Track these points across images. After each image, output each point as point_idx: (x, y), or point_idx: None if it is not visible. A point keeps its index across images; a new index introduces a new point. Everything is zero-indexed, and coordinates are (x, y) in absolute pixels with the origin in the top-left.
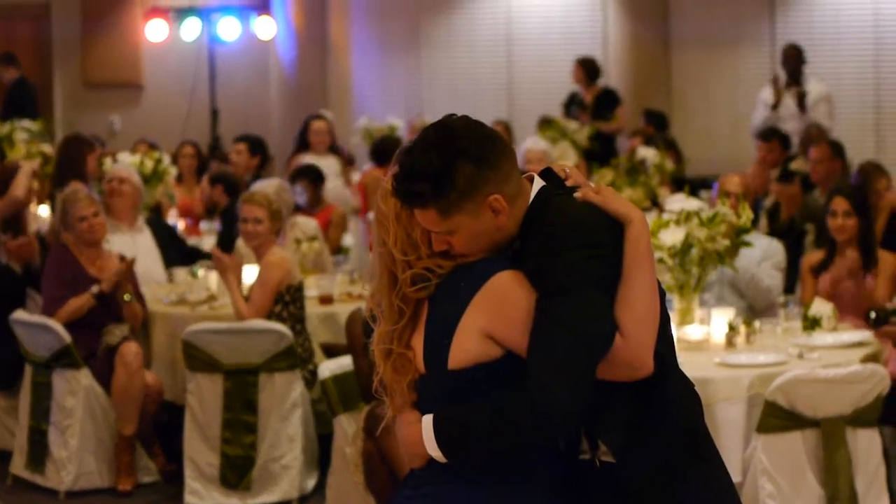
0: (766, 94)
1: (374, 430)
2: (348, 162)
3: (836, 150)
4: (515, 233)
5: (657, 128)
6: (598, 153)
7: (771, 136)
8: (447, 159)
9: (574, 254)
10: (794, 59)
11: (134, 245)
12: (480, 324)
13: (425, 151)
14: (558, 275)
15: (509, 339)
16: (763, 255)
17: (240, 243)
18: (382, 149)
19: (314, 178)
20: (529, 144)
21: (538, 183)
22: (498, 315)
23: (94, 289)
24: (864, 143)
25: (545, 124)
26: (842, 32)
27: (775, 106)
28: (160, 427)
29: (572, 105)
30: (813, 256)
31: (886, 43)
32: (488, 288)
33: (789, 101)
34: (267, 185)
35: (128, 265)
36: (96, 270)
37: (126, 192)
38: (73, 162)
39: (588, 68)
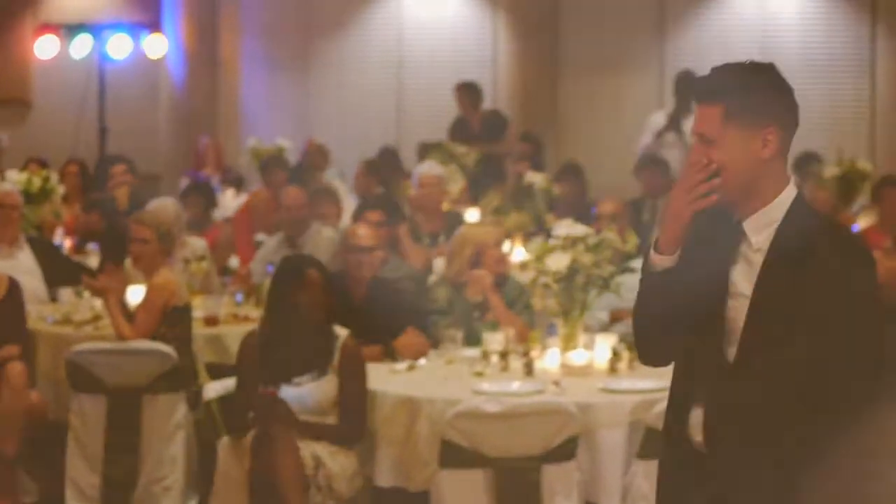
0: (657, 120)
1: (262, 452)
2: (237, 184)
3: None
4: (763, 200)
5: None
6: (487, 177)
7: (648, 163)
8: (758, 75)
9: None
10: (686, 86)
11: (15, 264)
12: None
13: (746, 62)
14: None
15: None
16: None
17: (129, 262)
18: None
19: (203, 197)
20: (425, 169)
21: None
22: None
23: None
24: None
25: (431, 148)
26: (730, 57)
27: (661, 134)
28: (43, 447)
29: (458, 130)
30: None
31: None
32: None
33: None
34: (159, 205)
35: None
36: None
37: (15, 217)
38: None
39: (470, 93)
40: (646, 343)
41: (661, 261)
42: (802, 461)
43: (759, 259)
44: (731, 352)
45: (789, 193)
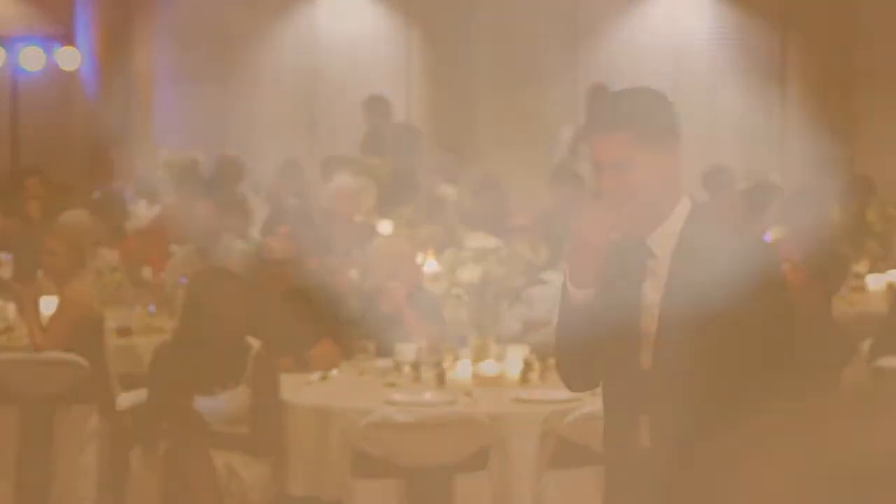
0: (569, 133)
1: (175, 462)
2: (150, 195)
3: None
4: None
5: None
6: (399, 189)
7: (562, 175)
8: (653, 95)
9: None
10: (597, 101)
11: None
12: None
13: (643, 88)
14: None
15: None
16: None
17: (41, 273)
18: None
19: (116, 208)
20: (339, 181)
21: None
22: None
23: None
24: None
25: (340, 162)
26: (643, 71)
27: (574, 148)
28: None
29: (370, 144)
30: None
31: (684, 81)
32: None
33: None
34: (71, 216)
35: None
36: None
37: None
38: None
39: (379, 106)
40: (572, 372)
41: (581, 294)
42: (715, 459)
43: (664, 270)
44: (646, 358)
45: (685, 204)
